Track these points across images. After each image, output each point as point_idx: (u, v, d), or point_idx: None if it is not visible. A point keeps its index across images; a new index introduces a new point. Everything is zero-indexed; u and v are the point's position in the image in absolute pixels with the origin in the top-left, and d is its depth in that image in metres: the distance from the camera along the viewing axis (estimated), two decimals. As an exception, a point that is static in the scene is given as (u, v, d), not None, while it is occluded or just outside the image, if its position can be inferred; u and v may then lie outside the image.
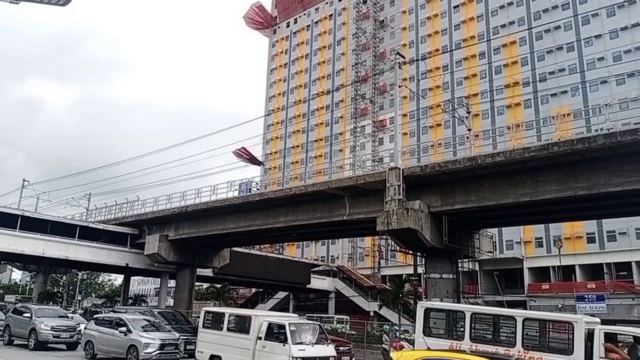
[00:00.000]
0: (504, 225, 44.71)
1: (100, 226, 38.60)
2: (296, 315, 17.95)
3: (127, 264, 38.99)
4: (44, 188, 51.08)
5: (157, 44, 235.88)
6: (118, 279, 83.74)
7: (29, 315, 21.17)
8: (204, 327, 17.34)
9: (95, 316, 21.01)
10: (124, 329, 17.68)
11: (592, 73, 53.44)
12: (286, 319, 16.11)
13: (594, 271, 49.82)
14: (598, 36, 54.85)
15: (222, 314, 17.04)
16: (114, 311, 26.12)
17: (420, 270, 31.63)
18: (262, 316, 15.99)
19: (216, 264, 41.03)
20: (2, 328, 22.86)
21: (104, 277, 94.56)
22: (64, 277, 74.76)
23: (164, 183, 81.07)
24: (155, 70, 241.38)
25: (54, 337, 20.39)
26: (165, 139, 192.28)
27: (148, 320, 19.58)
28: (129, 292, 54.02)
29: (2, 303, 42.94)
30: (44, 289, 51.94)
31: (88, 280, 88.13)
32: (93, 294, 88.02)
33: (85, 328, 20.36)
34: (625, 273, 47.86)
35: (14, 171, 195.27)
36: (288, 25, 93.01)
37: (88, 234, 37.09)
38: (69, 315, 26.71)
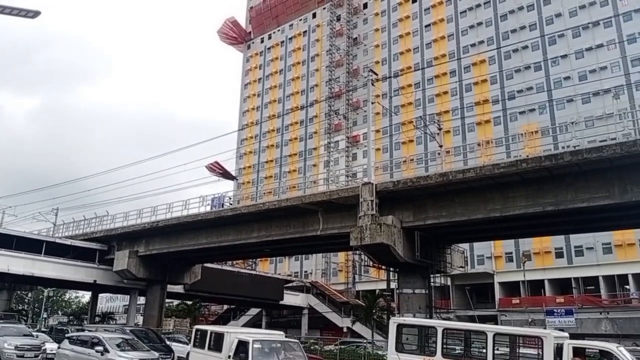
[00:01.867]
0: (475, 240, 45.22)
1: (68, 242, 37.65)
2: (281, 332, 16.54)
3: (95, 281, 38.03)
4: (9, 202, 49.67)
5: (125, 55, 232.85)
6: (86, 296, 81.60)
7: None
8: (194, 346, 16.61)
9: (68, 335, 20.04)
10: (100, 348, 16.83)
11: (559, 92, 55.08)
12: (259, 335, 15.31)
13: (562, 286, 50.73)
14: (564, 56, 56.58)
15: (206, 332, 16.39)
16: (82, 329, 25.40)
17: (393, 285, 31.75)
18: (234, 333, 14.99)
19: (187, 280, 40.37)
20: None
21: (71, 294, 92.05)
22: (30, 294, 72.45)
23: (134, 198, 79.64)
24: (121, 82, 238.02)
25: (17, 356, 19.55)
26: (133, 153, 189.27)
27: (124, 339, 18.88)
28: (96, 309, 52.62)
29: None
30: (8, 307, 50.17)
31: (54, 298, 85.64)
32: (59, 312, 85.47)
33: (58, 347, 19.49)
34: (593, 287, 48.90)
35: None
36: (262, 41, 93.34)
37: (55, 249, 36.14)
38: (34, 333, 25.84)
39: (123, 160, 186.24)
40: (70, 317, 65.89)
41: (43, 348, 20.78)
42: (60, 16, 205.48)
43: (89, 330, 23.37)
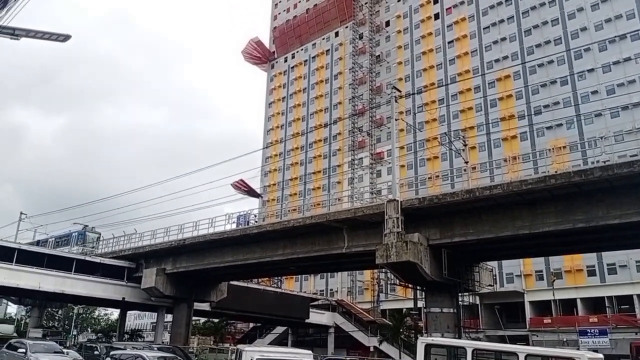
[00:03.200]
0: (503, 258, 44.50)
1: (97, 259, 38.27)
2: (309, 352, 15.92)
3: (123, 298, 38.46)
4: (39, 221, 50.86)
5: (150, 75, 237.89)
6: (114, 314, 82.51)
7: (23, 350, 20.57)
8: None
9: (112, 354, 19.98)
10: None
11: (587, 106, 54.20)
12: (277, 354, 14.94)
13: (595, 305, 49.30)
14: (591, 70, 55.81)
15: (237, 350, 16.88)
16: (112, 347, 25.58)
17: (420, 304, 31.34)
18: (251, 351, 14.54)
19: (214, 298, 40.54)
20: None
21: (100, 312, 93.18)
22: (60, 312, 73.66)
23: (161, 216, 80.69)
24: (145, 102, 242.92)
25: None
26: (158, 171, 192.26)
27: (166, 357, 18.85)
28: (125, 326, 53.19)
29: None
30: (39, 324, 51.09)
31: (84, 315, 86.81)
32: (89, 329, 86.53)
33: None
34: (627, 306, 47.40)
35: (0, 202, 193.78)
36: (286, 60, 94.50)
37: (84, 267, 36.72)
38: (64, 350, 26.22)
39: (147, 178, 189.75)
40: (99, 334, 66.67)
41: None
42: (85, 36, 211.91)
43: (134, 348, 23.41)
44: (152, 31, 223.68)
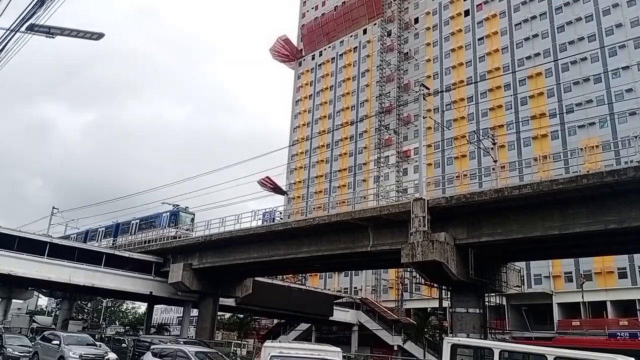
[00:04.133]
0: (532, 259, 43.70)
1: (126, 254, 38.94)
2: (337, 349, 14.20)
3: (151, 292, 39.09)
4: (70, 216, 52.07)
5: (177, 72, 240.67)
6: (142, 307, 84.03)
7: (57, 342, 20.78)
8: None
9: (153, 348, 19.45)
10: None
11: (621, 105, 52.73)
12: (299, 351, 13.39)
13: (626, 307, 48.08)
14: (626, 67, 54.32)
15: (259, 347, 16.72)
16: (139, 339, 25.92)
17: (445, 304, 31.00)
18: (270, 347, 13.61)
19: (239, 293, 40.90)
20: (30, 355, 22.57)
21: (127, 305, 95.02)
22: (89, 304, 75.39)
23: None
24: (172, 98, 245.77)
25: None
26: (184, 167, 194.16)
27: (206, 353, 18.27)
28: (152, 320, 54.10)
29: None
30: (69, 316, 52.38)
31: (112, 308, 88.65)
32: (117, 322, 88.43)
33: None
34: (660, 310, 46.09)
35: (29, 195, 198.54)
36: (313, 58, 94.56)
37: (113, 261, 37.43)
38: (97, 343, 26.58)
39: (174, 174, 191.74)
40: (127, 327, 67.97)
41: (107, 358, 20.97)
42: (113, 32, 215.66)
43: (160, 341, 23.58)
44: (180, 28, 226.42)
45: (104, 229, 48.35)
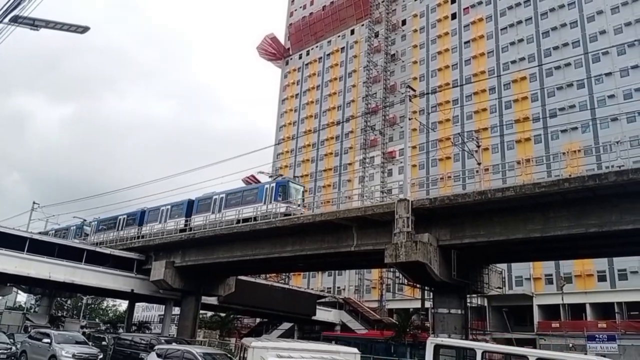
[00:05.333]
0: (513, 261, 44.17)
1: (107, 251, 38.50)
2: (355, 349, 13.03)
3: (132, 290, 38.69)
4: (50, 211, 51.23)
5: (160, 68, 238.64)
6: (123, 305, 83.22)
7: (48, 341, 19.94)
8: None
9: (157, 348, 18.37)
10: None
11: (603, 110, 53.59)
12: (305, 353, 11.83)
13: (605, 310, 48.82)
14: (609, 74, 55.15)
15: (241, 346, 15.59)
16: (119, 337, 25.59)
17: (428, 304, 31.20)
18: (261, 348, 11.98)
19: (221, 292, 40.68)
20: (8, 353, 21.66)
21: (108, 303, 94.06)
22: (69, 301, 74.43)
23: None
24: (154, 94, 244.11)
25: None
26: (167, 164, 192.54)
27: (214, 354, 17.38)
28: (133, 318, 53.58)
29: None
30: (48, 313, 51.65)
31: (93, 305, 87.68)
32: (97, 319, 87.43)
33: None
34: (637, 313, 46.87)
35: (6, 190, 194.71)
36: (300, 57, 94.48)
37: (94, 258, 36.97)
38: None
39: (155, 171, 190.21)
40: (107, 324, 67.25)
41: (100, 357, 20.19)
42: (93, 26, 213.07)
43: (141, 339, 23.19)
44: (165, 25, 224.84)
45: (169, 207, 40.22)
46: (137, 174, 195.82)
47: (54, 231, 49.93)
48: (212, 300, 43.10)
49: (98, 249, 38.43)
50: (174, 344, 22.43)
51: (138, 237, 40.16)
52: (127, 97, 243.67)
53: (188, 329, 37.90)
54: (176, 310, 45.26)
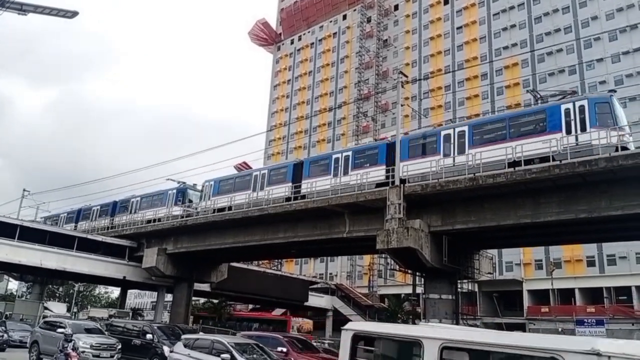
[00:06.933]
0: (504, 247, 44.49)
1: (99, 238, 38.42)
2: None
3: (124, 277, 38.73)
4: (39, 199, 50.69)
5: (149, 53, 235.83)
6: (115, 292, 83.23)
7: (63, 331, 18.45)
8: None
9: (184, 337, 17.42)
10: (227, 356, 14.29)
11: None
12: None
13: (593, 295, 49.46)
14: (600, 60, 55.26)
15: None
16: (111, 324, 25.55)
17: (419, 290, 31.43)
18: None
19: (214, 278, 40.77)
20: (27, 345, 20.55)
21: (100, 290, 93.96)
22: (61, 289, 74.30)
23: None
24: (146, 80, 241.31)
25: (93, 356, 17.96)
26: (157, 151, 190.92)
27: (249, 345, 16.54)
28: (125, 305, 53.63)
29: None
30: (40, 300, 51.57)
31: (85, 293, 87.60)
32: (89, 307, 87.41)
33: (171, 351, 16.98)
34: (625, 298, 47.57)
35: None
36: (292, 42, 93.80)
37: (86, 245, 36.89)
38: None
39: (145, 158, 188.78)
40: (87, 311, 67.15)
41: (119, 347, 19.37)
42: (80, 9, 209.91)
43: (134, 326, 23.05)
44: (155, 10, 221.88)
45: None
46: (128, 160, 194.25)
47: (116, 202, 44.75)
48: (205, 287, 43.20)
49: (89, 237, 38.37)
50: (201, 333, 21.80)
51: (129, 225, 39.88)
52: (114, 83, 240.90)
53: (181, 315, 38.02)
54: (169, 297, 45.34)
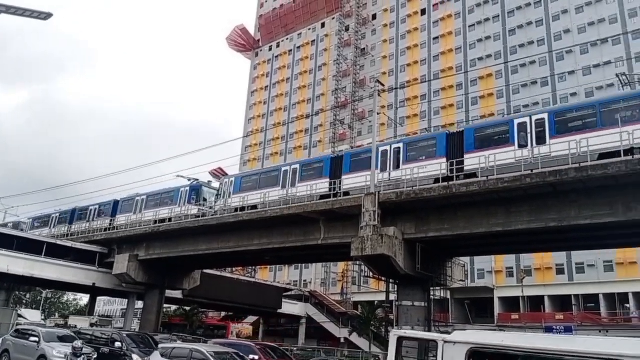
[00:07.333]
0: (476, 254, 44.95)
1: (68, 244, 37.56)
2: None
3: (94, 284, 37.91)
4: (10, 202, 49.41)
5: (129, 57, 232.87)
6: (84, 299, 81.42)
7: (36, 339, 18.24)
8: None
9: (161, 347, 16.95)
10: None
11: (565, 108, 54.84)
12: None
13: (562, 302, 50.34)
14: (572, 72, 56.57)
15: None
16: (78, 332, 24.89)
17: (392, 297, 31.53)
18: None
19: (186, 285, 40.21)
20: None
21: (69, 296, 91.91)
22: (28, 295, 72.36)
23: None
24: (121, 84, 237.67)
25: None
26: (132, 155, 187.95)
27: (224, 354, 16.18)
28: (94, 312, 52.49)
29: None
30: (7, 307, 50.01)
31: (53, 299, 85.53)
32: (57, 314, 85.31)
33: None
34: (593, 305, 48.51)
35: None
36: (270, 49, 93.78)
37: (55, 251, 36.05)
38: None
39: (118, 162, 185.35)
40: (67, 319, 65.60)
41: (94, 357, 18.67)
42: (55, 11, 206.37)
43: (102, 334, 22.51)
44: (131, 14, 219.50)
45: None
46: (103, 164, 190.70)
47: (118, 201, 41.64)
48: (177, 294, 42.54)
49: (58, 242, 37.51)
50: (179, 342, 21.22)
51: (100, 230, 39.08)
52: (87, 85, 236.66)
53: (152, 323, 37.33)
54: (139, 305, 44.50)
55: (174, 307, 55.76)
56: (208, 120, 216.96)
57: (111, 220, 39.44)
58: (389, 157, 25.61)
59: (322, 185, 27.21)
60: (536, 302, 50.35)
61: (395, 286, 26.88)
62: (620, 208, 19.09)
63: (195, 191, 35.48)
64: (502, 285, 53.03)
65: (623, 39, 54.28)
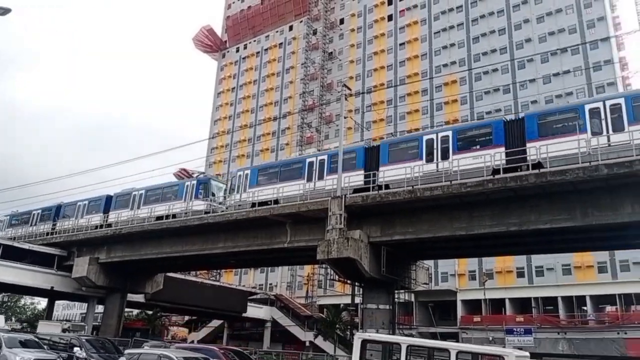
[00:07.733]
0: (440, 258, 45.67)
1: (26, 246, 36.36)
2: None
3: (52, 287, 36.79)
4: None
5: (92, 56, 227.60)
6: (42, 303, 78.84)
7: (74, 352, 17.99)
8: None
9: (127, 352, 16.65)
10: None
11: (526, 115, 56.31)
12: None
13: (522, 305, 51.54)
14: (532, 80, 58.18)
15: None
16: (37, 335, 24.09)
17: (357, 300, 31.67)
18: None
19: (149, 289, 39.45)
20: None
21: (26, 300, 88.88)
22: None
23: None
24: (83, 83, 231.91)
25: None
26: (93, 156, 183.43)
27: (197, 358, 16.31)
28: (52, 316, 50.85)
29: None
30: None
31: (9, 303, 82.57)
32: (13, 318, 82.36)
33: None
34: (552, 307, 49.84)
35: None
36: (237, 50, 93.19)
37: (12, 253, 34.83)
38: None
39: (76, 163, 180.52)
40: (24, 323, 63.54)
41: None
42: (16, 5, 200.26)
43: (60, 339, 21.79)
44: (95, 12, 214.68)
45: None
46: (61, 165, 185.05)
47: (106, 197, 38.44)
48: (139, 297, 41.70)
49: (16, 244, 36.31)
50: (145, 347, 20.76)
51: (59, 232, 37.93)
52: (42, 84, 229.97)
53: (112, 328, 36.52)
54: (100, 309, 43.36)
55: (135, 311, 54.51)
56: (173, 121, 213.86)
57: (105, 218, 36.42)
58: (435, 146, 23.59)
59: (355, 177, 25.09)
60: (498, 305, 51.42)
61: (361, 289, 27.02)
62: (578, 213, 19.74)
63: (203, 185, 32.63)
64: (465, 288, 53.96)
65: (582, 49, 56.20)
